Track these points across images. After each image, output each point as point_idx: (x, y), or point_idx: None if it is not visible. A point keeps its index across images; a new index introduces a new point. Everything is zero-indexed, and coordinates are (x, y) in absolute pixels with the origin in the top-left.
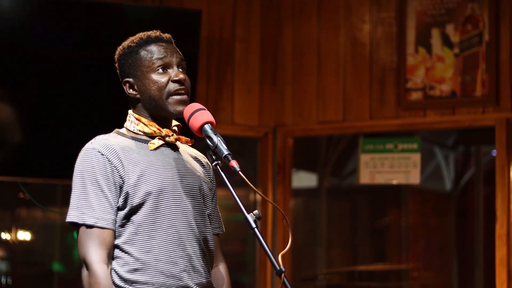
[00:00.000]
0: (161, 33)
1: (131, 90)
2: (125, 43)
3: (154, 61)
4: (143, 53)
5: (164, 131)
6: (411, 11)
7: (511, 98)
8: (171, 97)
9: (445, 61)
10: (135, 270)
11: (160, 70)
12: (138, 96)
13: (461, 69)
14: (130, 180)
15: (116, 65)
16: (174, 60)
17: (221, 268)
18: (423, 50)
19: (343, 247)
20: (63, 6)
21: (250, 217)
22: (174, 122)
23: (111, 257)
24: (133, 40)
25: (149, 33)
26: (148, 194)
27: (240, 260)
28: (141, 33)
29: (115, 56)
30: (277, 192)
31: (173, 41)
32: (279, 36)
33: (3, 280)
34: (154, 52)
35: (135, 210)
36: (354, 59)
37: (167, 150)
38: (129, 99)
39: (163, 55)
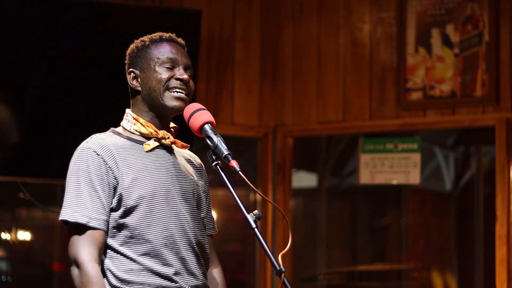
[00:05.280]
0: (176, 37)
1: (134, 81)
2: (138, 40)
3: (163, 56)
4: (154, 48)
5: (161, 133)
6: (411, 11)
7: (511, 98)
8: (168, 91)
9: (445, 61)
10: (131, 270)
11: (167, 66)
12: (139, 87)
13: (461, 69)
14: (124, 182)
15: (126, 60)
16: (183, 61)
17: (216, 269)
18: (423, 50)
19: (343, 247)
20: (63, 6)
21: (250, 217)
22: (171, 124)
23: (101, 257)
24: (147, 36)
25: (164, 33)
26: (142, 197)
27: (240, 260)
28: (156, 33)
29: (127, 51)
30: (277, 192)
31: (185, 47)
32: (279, 36)
33: (3, 279)
34: (166, 49)
35: (128, 212)
36: (354, 59)
37: (162, 152)
38: (130, 91)
39: (173, 53)
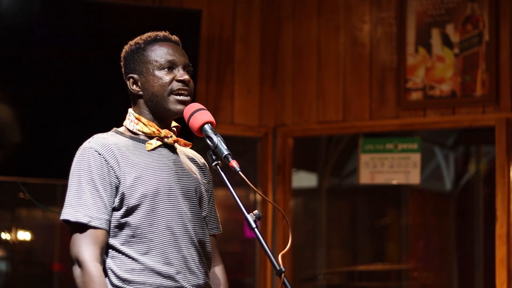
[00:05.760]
0: (170, 34)
1: (134, 86)
2: (132, 41)
3: (161, 59)
4: (150, 50)
5: (163, 132)
6: (411, 11)
7: (511, 98)
8: (172, 95)
9: (445, 61)
10: (133, 270)
11: (166, 69)
12: (140, 92)
13: (461, 69)
14: (126, 181)
15: (122, 63)
16: (181, 61)
17: (219, 269)
18: (423, 50)
19: (343, 247)
20: (63, 6)
21: (250, 217)
22: (173, 123)
23: (103, 256)
24: (141, 37)
25: (157, 32)
26: (144, 196)
27: (240, 260)
28: (149, 33)
29: (122, 54)
30: (277, 192)
31: (180, 44)
32: (279, 36)
33: (3, 280)
34: (162, 50)
35: (131, 211)
36: (354, 59)
37: (164, 151)
38: (131, 95)
39: (170, 55)
